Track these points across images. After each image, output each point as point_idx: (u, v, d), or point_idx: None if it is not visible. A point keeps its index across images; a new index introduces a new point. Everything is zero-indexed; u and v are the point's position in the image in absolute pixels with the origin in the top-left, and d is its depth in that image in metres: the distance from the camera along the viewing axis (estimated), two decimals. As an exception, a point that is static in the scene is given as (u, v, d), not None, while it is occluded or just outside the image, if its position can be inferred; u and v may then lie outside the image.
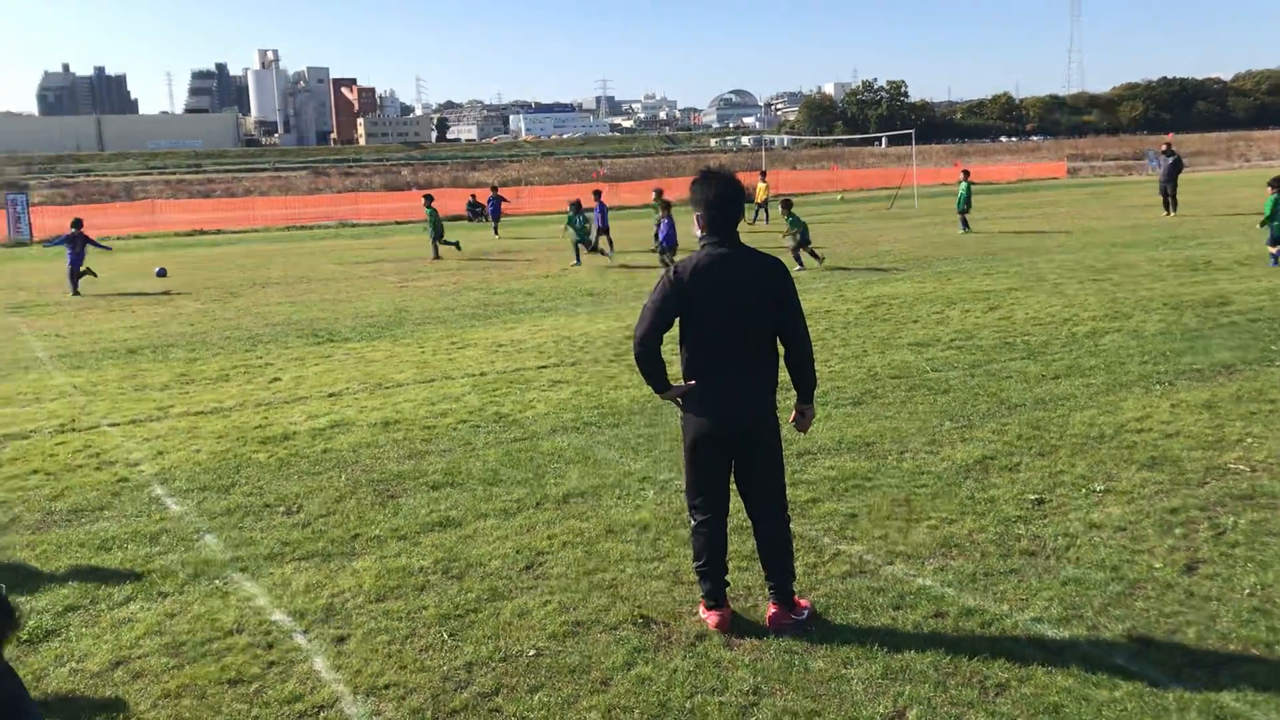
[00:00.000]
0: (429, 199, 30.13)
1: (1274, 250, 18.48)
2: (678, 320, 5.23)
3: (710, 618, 5.43)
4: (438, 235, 28.43)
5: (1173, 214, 30.45)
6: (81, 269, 22.92)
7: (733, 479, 5.45)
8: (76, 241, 22.97)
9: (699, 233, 5.27)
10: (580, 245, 25.05)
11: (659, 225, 23.04)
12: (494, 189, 39.41)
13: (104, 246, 25.21)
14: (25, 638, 5.58)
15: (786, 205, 23.17)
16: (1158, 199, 31.79)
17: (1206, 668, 4.83)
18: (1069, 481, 7.51)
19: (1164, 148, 33.63)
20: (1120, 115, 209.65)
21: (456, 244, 28.75)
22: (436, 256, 27.84)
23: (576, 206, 25.37)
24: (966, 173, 29.82)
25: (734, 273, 5.12)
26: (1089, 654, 5.00)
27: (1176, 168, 31.61)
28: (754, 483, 5.36)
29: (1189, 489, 7.24)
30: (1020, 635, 5.22)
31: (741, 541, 6.34)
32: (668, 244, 22.28)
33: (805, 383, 5.39)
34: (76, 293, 22.46)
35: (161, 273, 25.40)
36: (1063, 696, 4.63)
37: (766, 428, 5.29)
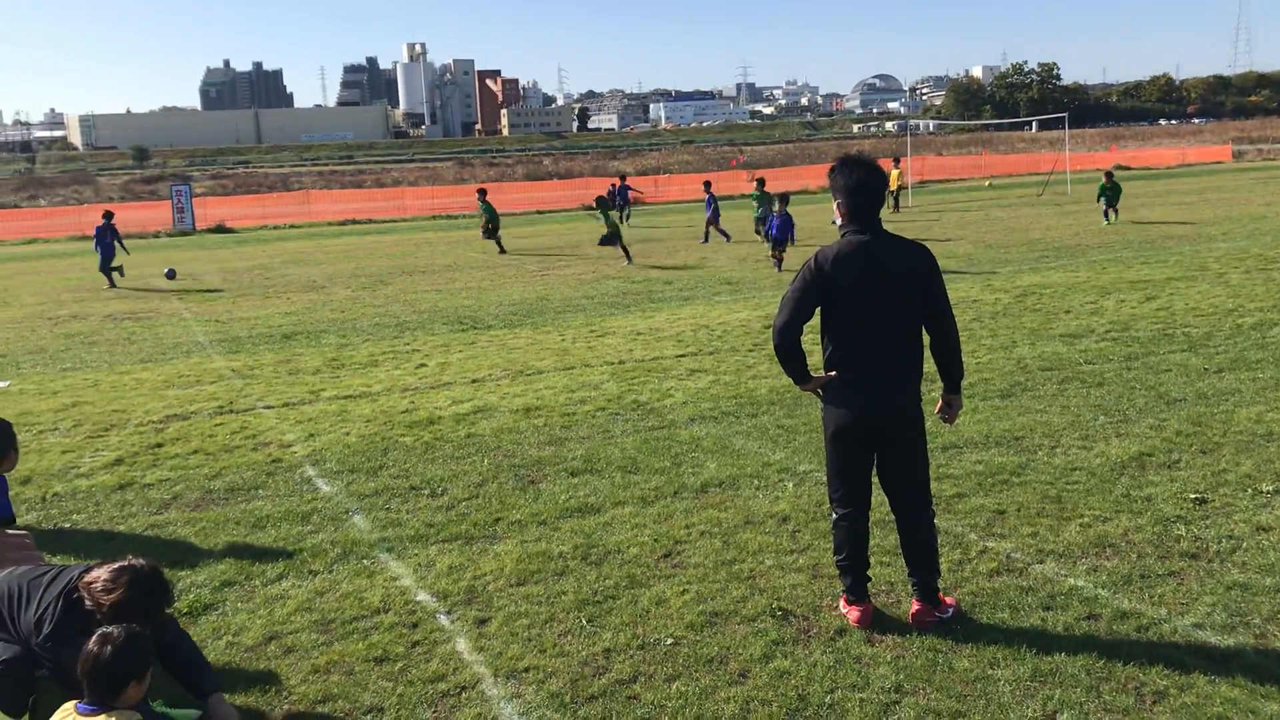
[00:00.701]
0: (483, 193, 29.82)
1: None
2: (819, 310, 5.13)
3: (851, 613, 5.34)
4: (493, 230, 27.94)
5: None
6: (114, 264, 23.45)
7: (875, 472, 5.33)
8: (107, 234, 23.48)
9: (839, 221, 5.16)
10: (613, 242, 24.11)
11: (768, 220, 22.18)
12: (621, 178, 39.29)
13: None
14: (185, 610, 5.83)
15: (760, 184, 24.86)
16: (1332, 183, 30.00)
17: (1388, 683, 4.52)
18: (1233, 481, 7.13)
19: None
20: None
21: (498, 242, 28.09)
22: (501, 250, 27.36)
23: (601, 202, 25.14)
24: (1110, 174, 28.27)
25: (877, 260, 4.99)
26: (1256, 664, 4.73)
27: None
28: (896, 476, 5.24)
29: (1368, 492, 6.79)
30: (1180, 641, 4.97)
31: (884, 536, 6.21)
32: (780, 237, 20.95)
33: (952, 373, 5.27)
34: (113, 285, 23.06)
35: (171, 274, 24.30)
36: (1227, 708, 4.39)
37: (909, 420, 5.16)
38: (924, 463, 5.27)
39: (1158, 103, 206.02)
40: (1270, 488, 6.95)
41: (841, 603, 5.46)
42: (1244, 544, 6.07)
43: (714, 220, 27.63)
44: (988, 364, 11.06)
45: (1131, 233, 23.90)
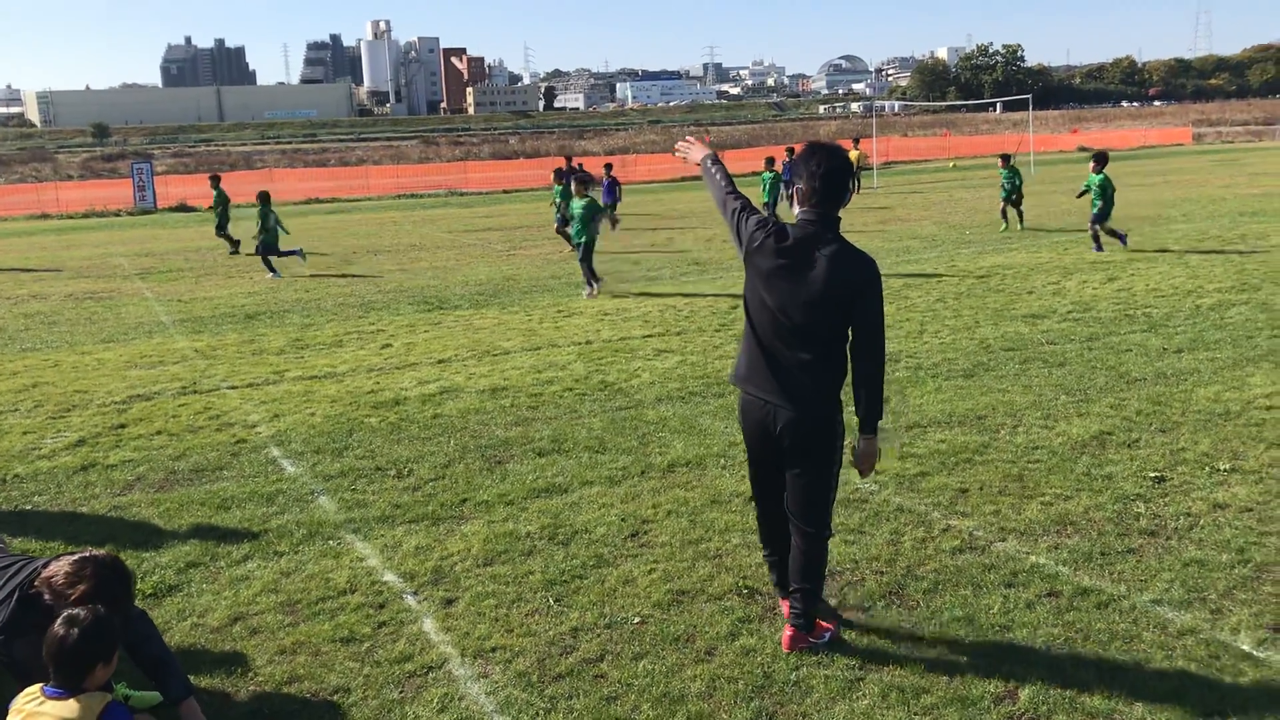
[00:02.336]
0: (215, 179, 26.10)
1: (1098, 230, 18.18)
2: (745, 280, 4.81)
3: (785, 605, 5.10)
4: (223, 224, 24.58)
5: None
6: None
7: None
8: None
9: (795, 209, 4.73)
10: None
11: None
12: (607, 168, 31.18)
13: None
14: (149, 592, 5.79)
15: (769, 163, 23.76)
16: (1290, 166, 30.40)
17: (1339, 656, 4.62)
18: (1192, 460, 7.24)
19: None
20: (1250, 79, 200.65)
21: (232, 241, 24.50)
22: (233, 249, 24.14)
23: (559, 175, 23.27)
24: (1006, 158, 22.85)
25: (812, 258, 4.52)
26: (1212, 639, 4.82)
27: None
28: (791, 489, 4.81)
29: (1322, 469, 6.92)
30: (1139, 617, 5.06)
31: (847, 514, 6.24)
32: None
33: (867, 407, 4.59)
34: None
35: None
36: (1184, 682, 4.47)
37: (812, 437, 4.64)
38: (824, 485, 4.74)
39: (1120, 85, 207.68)
40: (1227, 466, 7.07)
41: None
42: (1201, 521, 6.17)
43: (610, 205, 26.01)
44: (951, 344, 11.15)
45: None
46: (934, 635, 4.97)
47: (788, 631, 4.88)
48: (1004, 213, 22.19)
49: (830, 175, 4.59)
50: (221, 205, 24.64)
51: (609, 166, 28.83)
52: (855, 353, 4.56)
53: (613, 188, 27.58)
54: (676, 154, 5.43)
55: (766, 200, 24.80)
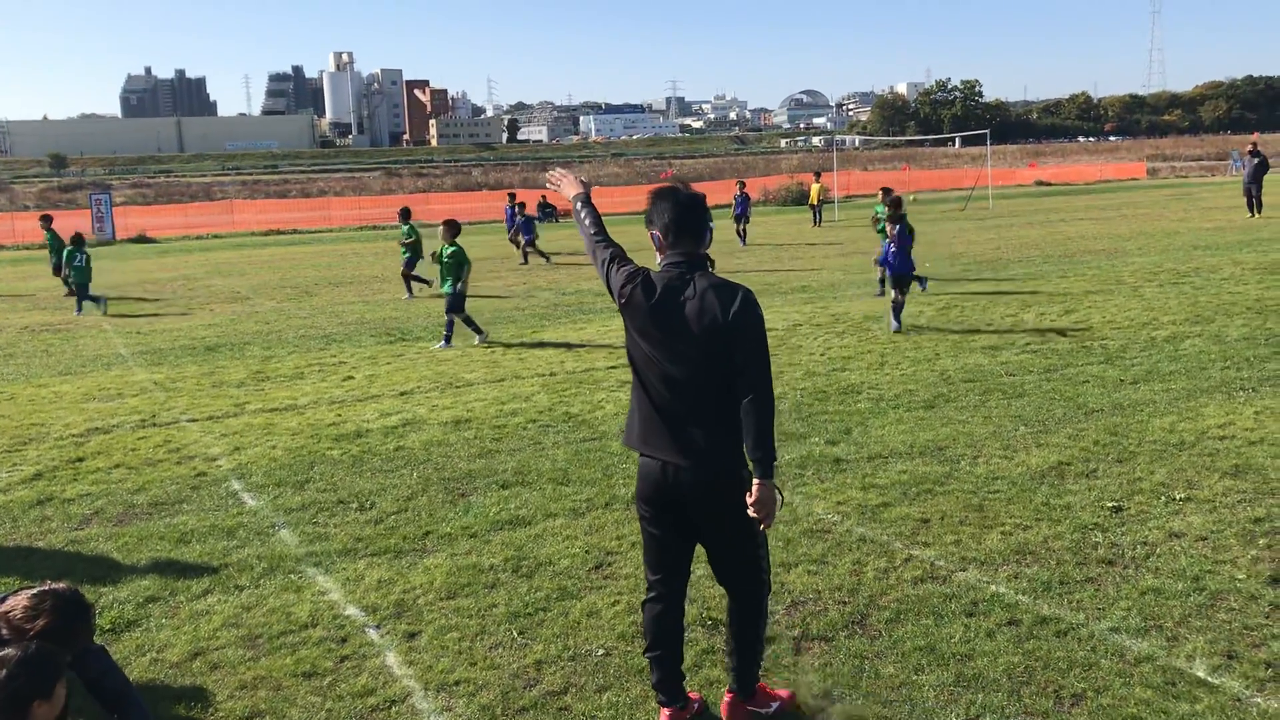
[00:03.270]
0: (46, 220, 24.91)
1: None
2: (626, 335, 4.42)
3: (665, 715, 4.53)
4: (59, 265, 22.65)
5: (1258, 215, 29.68)
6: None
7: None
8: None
9: (658, 258, 4.41)
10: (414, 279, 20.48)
11: (883, 249, 18.85)
12: (511, 198, 30.36)
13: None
14: (108, 627, 5.72)
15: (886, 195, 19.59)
16: (1242, 200, 31.01)
17: (1292, 683, 4.70)
18: (1148, 489, 7.35)
19: (1250, 148, 32.78)
20: (1203, 115, 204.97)
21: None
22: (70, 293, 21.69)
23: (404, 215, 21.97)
24: (888, 193, 19.89)
25: (681, 303, 4.20)
26: (1169, 666, 4.89)
27: (1262, 169, 30.83)
28: (715, 555, 4.45)
29: (1274, 498, 7.04)
30: (1097, 645, 5.11)
31: (811, 545, 6.27)
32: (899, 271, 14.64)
33: (760, 450, 4.14)
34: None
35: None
36: (1141, 709, 4.53)
37: (722, 495, 4.24)
38: (750, 542, 4.35)
39: (1076, 120, 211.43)
40: (1182, 495, 7.18)
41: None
42: (1158, 550, 6.26)
43: (529, 239, 26.59)
44: (912, 375, 11.26)
45: (1050, 247, 24.46)
46: (896, 664, 5.01)
47: (726, 697, 4.58)
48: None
49: (683, 215, 4.34)
50: (56, 247, 23.15)
51: (513, 196, 28.03)
52: (740, 391, 4.15)
53: (530, 223, 26.94)
54: (549, 185, 5.18)
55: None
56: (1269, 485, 7.30)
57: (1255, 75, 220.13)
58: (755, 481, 4.13)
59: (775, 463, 4.17)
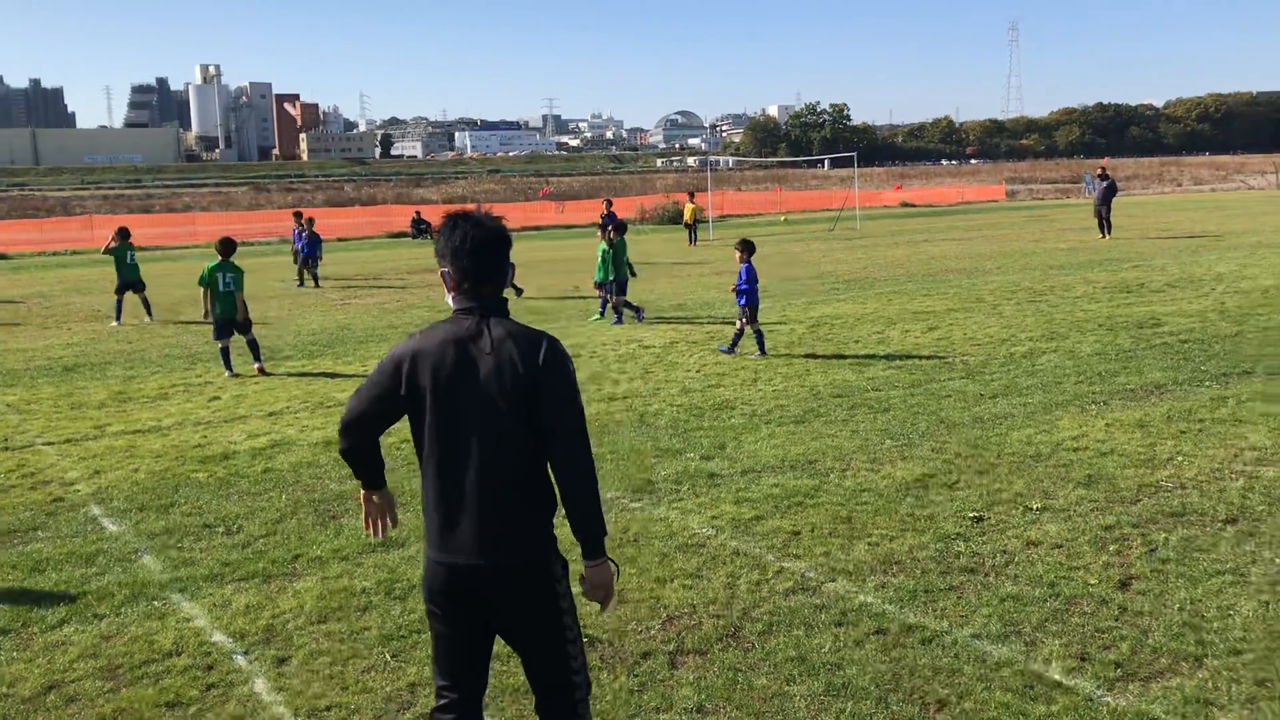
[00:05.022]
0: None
1: (604, 297, 17.63)
2: (409, 418, 3.69)
3: None
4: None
5: (1107, 237, 31.09)
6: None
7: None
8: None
9: (449, 297, 3.75)
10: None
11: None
12: (297, 217, 28.56)
13: None
14: (-45, 662, 5.46)
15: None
16: (1093, 222, 32.45)
17: (1139, 681, 4.94)
18: (1007, 499, 7.63)
19: (1099, 172, 34.33)
20: (1058, 140, 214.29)
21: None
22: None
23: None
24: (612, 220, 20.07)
25: (475, 356, 3.55)
26: (1027, 669, 5.09)
27: (1111, 191, 32.33)
28: (524, 663, 3.78)
29: (1123, 506, 7.40)
30: (960, 651, 5.29)
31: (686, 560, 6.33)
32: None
33: (584, 525, 3.58)
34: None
35: None
36: (1001, 712, 4.70)
37: (532, 578, 3.62)
38: (561, 640, 3.69)
39: (940, 143, 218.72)
40: (1039, 505, 7.48)
41: None
42: (1016, 558, 6.51)
43: (311, 258, 25.76)
44: (783, 391, 11.48)
45: (914, 266, 25.22)
46: (769, 675, 5.10)
47: None
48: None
49: (482, 252, 3.65)
50: None
51: (298, 214, 26.78)
52: (554, 459, 3.56)
53: (314, 243, 25.85)
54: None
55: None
56: (1119, 494, 7.66)
57: (1105, 103, 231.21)
58: (586, 565, 3.60)
59: (606, 535, 3.64)
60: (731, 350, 13.86)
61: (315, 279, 25.66)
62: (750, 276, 13.86)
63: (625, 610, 5.89)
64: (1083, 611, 5.72)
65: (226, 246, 13.96)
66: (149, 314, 19.71)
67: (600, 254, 17.37)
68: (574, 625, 3.73)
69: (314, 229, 26.35)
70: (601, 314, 17.95)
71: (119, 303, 19.52)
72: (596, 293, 18.21)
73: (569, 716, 3.73)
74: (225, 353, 13.79)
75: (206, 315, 13.82)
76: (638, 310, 17.33)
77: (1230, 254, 25.23)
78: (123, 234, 20.22)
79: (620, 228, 17.89)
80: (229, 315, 13.60)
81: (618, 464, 8.81)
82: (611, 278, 17.28)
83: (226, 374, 13.66)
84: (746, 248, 14.02)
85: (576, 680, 3.72)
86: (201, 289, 13.72)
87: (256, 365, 13.84)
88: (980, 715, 4.68)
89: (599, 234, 17.95)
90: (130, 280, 19.71)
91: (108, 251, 20.09)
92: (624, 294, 17.46)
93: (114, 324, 19.20)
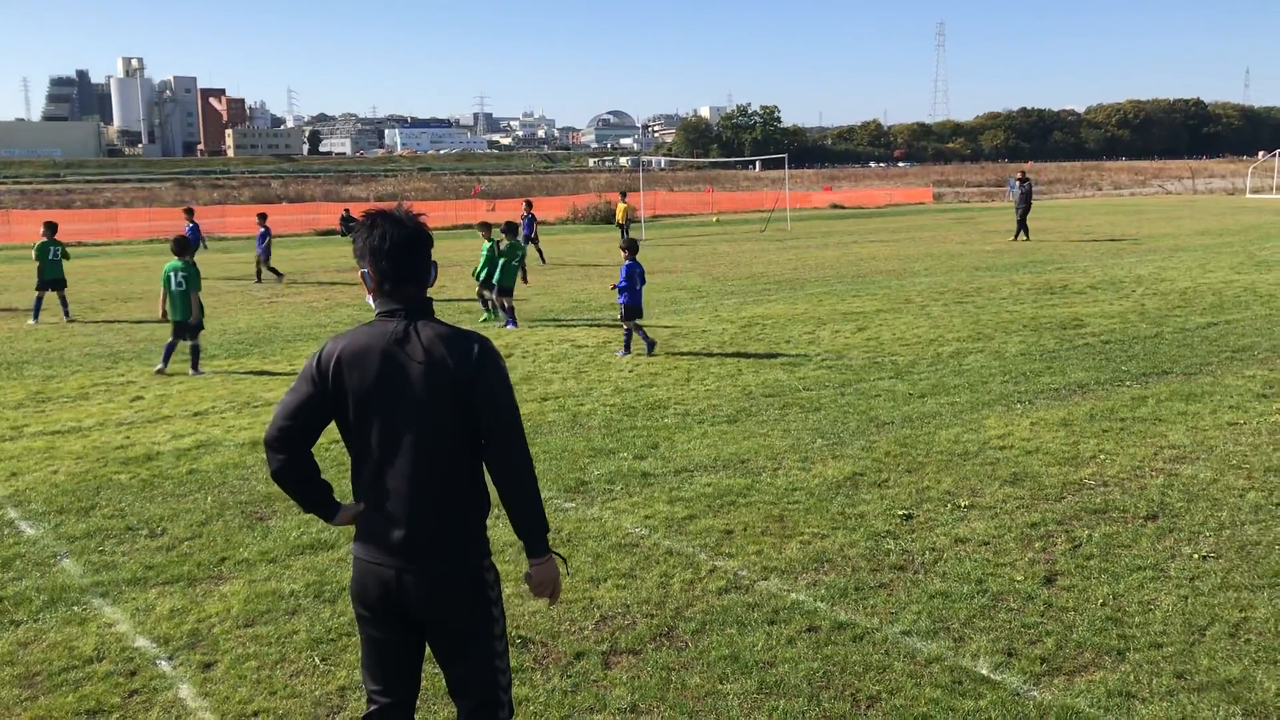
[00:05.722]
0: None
1: (488, 295, 17.37)
2: (337, 424, 3.63)
3: None
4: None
5: (1020, 239, 31.59)
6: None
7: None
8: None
9: (371, 300, 3.67)
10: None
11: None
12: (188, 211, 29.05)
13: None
14: None
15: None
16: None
17: (1064, 675, 5.04)
18: (935, 497, 7.74)
19: (1019, 175, 34.81)
20: (983, 143, 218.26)
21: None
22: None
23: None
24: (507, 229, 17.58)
25: (402, 357, 3.48)
26: (955, 665, 5.16)
27: (1028, 195, 32.77)
28: (448, 671, 3.63)
29: (1047, 504, 7.54)
30: (890, 648, 5.36)
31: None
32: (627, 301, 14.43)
33: (526, 523, 3.55)
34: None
35: None
36: (930, 707, 4.77)
37: (460, 590, 3.52)
38: (489, 654, 3.59)
39: (868, 146, 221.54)
40: (966, 503, 7.60)
41: None
42: (945, 555, 6.61)
43: (265, 257, 25.83)
44: (716, 390, 11.53)
45: (844, 267, 25.48)
46: (702, 674, 5.11)
47: None
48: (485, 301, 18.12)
49: (403, 251, 3.56)
50: None
51: (190, 211, 26.52)
52: (491, 459, 3.52)
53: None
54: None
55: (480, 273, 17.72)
56: (1043, 491, 7.81)
57: (1029, 108, 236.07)
58: (532, 562, 3.56)
59: (549, 531, 3.60)
60: (626, 350, 14.01)
61: (275, 272, 25.82)
62: (629, 275, 14.10)
63: (558, 610, 5.87)
64: (1009, 607, 5.82)
65: (180, 245, 13.67)
66: (66, 314, 19.25)
67: (484, 252, 17.08)
68: (503, 639, 3.63)
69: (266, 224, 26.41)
70: (490, 315, 17.76)
71: (39, 300, 19.02)
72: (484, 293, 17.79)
73: None
74: (171, 349, 13.55)
75: (164, 316, 13.54)
76: (512, 317, 17.01)
77: (1149, 257, 25.87)
78: (49, 228, 19.78)
79: (510, 229, 17.45)
80: (182, 318, 13.33)
81: (551, 464, 8.78)
82: (495, 279, 16.81)
83: (158, 367, 13.48)
84: (631, 247, 14.35)
85: (503, 699, 3.62)
86: (162, 290, 13.45)
87: (192, 371, 13.54)
88: (910, 711, 4.74)
89: (480, 233, 17.66)
90: (52, 279, 19.24)
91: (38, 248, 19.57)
92: (504, 295, 16.89)
93: (31, 322, 18.72)
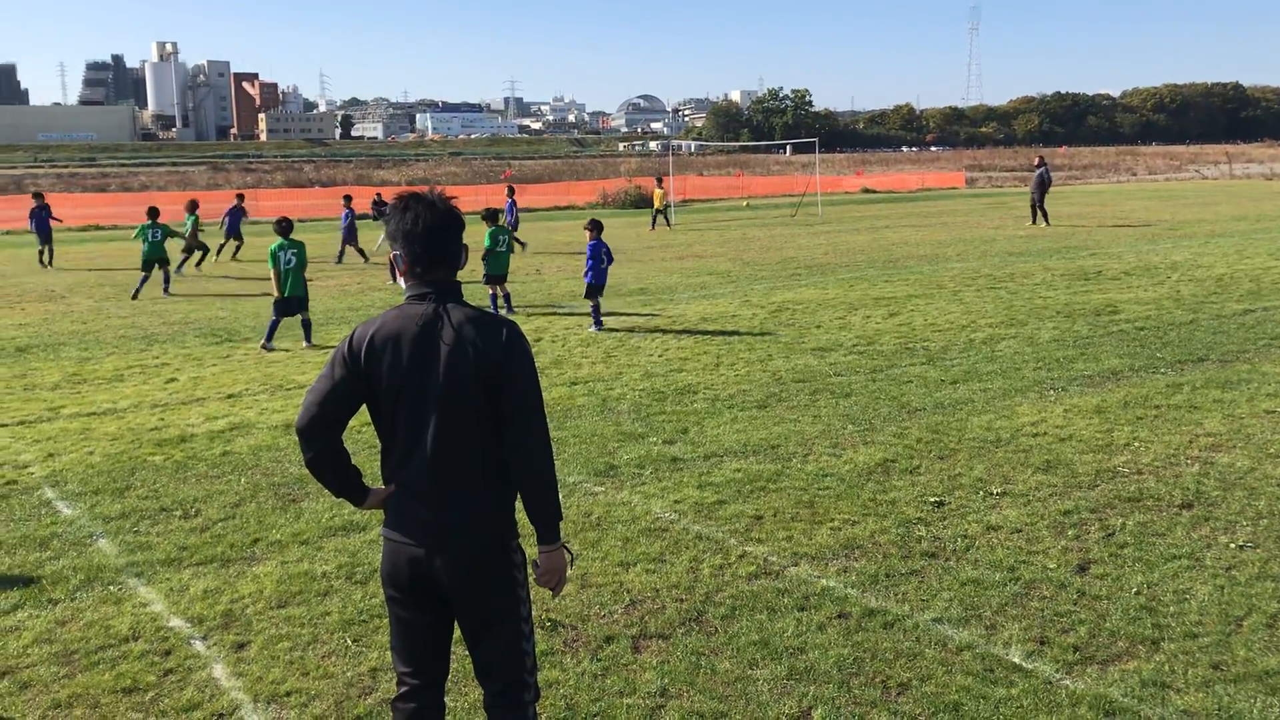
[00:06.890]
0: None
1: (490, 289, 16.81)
2: (367, 407, 3.65)
3: None
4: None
5: (1036, 225, 31.29)
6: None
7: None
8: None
9: (401, 282, 3.67)
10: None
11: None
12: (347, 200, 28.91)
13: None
14: (-95, 647, 5.36)
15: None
16: (1055, 210, 32.63)
17: (1097, 664, 5.00)
18: (967, 484, 7.69)
19: (1036, 161, 34.24)
20: (1016, 128, 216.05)
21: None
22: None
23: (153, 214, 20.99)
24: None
25: (433, 341, 3.50)
26: (987, 653, 5.13)
27: (1043, 180, 32.32)
28: (475, 652, 3.67)
29: (1081, 491, 7.47)
30: (921, 635, 5.33)
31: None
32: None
33: (540, 510, 3.57)
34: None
35: None
36: (962, 695, 4.74)
37: (489, 572, 3.57)
38: (516, 634, 3.63)
39: (900, 130, 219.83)
40: (999, 490, 7.54)
41: None
42: (977, 542, 6.56)
43: (350, 239, 26.48)
44: (746, 376, 11.50)
45: (875, 252, 25.33)
46: (732, 659, 5.11)
47: None
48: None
49: (436, 234, 3.57)
50: None
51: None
52: (509, 441, 3.52)
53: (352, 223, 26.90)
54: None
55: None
56: (1077, 479, 7.74)
57: (1063, 92, 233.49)
58: (540, 549, 3.59)
59: (561, 520, 3.65)
60: (597, 325, 14.75)
61: (360, 253, 26.63)
62: (594, 253, 14.56)
63: (588, 594, 5.88)
64: (1042, 595, 5.77)
65: (284, 225, 14.22)
66: (165, 288, 20.32)
67: (488, 237, 16.38)
68: (529, 622, 3.67)
69: (350, 206, 27.29)
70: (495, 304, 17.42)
71: (143, 279, 20.05)
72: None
73: (516, 713, 3.63)
74: (274, 326, 14.05)
75: (283, 295, 13.97)
76: (508, 303, 17.01)
77: (1185, 243, 25.55)
78: (150, 213, 21.18)
79: (490, 216, 17.09)
80: (298, 293, 13.95)
81: (580, 448, 8.79)
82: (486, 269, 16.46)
83: (264, 345, 13.94)
84: (595, 226, 14.81)
85: (529, 680, 3.65)
86: (273, 270, 13.94)
87: (305, 344, 14.10)
88: (941, 699, 4.72)
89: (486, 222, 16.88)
90: (155, 258, 20.34)
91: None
92: (496, 283, 16.51)
93: (133, 301, 19.45)
